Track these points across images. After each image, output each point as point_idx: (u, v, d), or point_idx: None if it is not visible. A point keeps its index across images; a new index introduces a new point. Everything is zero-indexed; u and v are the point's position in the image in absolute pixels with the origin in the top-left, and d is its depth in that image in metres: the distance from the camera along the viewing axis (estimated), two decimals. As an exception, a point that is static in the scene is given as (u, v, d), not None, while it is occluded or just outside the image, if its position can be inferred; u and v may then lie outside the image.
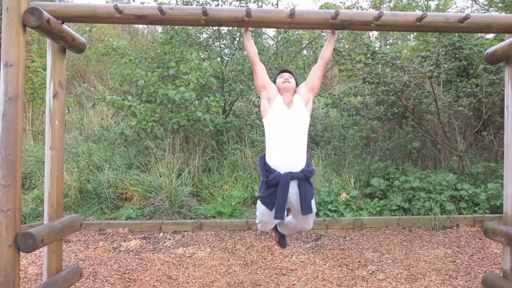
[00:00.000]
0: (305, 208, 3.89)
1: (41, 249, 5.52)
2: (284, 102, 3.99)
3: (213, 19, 4.16)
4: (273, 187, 3.83)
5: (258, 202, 4.00)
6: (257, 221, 4.16)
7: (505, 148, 4.57)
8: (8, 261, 3.46)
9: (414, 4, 19.92)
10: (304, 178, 3.85)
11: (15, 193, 3.52)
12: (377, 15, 4.08)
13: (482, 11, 16.89)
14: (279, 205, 3.80)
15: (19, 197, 3.58)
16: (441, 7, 19.91)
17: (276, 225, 4.40)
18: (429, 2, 20.36)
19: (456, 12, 19.15)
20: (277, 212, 3.82)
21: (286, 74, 4.22)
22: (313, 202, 4.00)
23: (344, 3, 15.47)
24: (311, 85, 4.16)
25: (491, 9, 16.49)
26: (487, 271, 5.19)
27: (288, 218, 4.25)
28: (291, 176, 3.79)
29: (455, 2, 19.48)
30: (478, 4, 17.32)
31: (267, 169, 3.92)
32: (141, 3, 9.01)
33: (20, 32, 3.56)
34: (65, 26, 4.07)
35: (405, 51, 12.80)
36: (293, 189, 3.84)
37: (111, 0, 14.93)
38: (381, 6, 19.45)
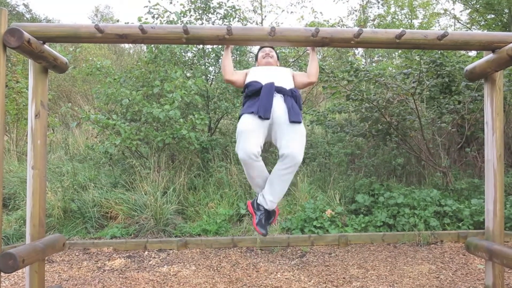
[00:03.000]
0: (293, 115, 3.77)
1: (23, 270, 5.50)
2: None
3: (195, 37, 4.20)
4: (255, 95, 3.85)
5: (240, 121, 3.87)
6: (237, 146, 3.79)
7: (485, 164, 4.64)
8: (-12, 281, 3.44)
9: (397, 23, 20.23)
10: (290, 94, 3.88)
11: (-4, 213, 3.51)
12: (357, 32, 4.15)
13: (465, 29, 17.20)
14: (263, 102, 3.76)
15: (0, 217, 3.57)
16: (424, 25, 20.21)
17: (255, 201, 4.03)
18: (413, 21, 20.68)
19: (439, 30, 19.46)
20: (262, 108, 3.74)
21: (267, 49, 4.26)
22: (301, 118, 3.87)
23: (328, 21, 15.66)
24: (295, 83, 4.21)
25: (473, 27, 16.80)
26: (471, 287, 5.21)
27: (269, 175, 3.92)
28: (275, 88, 3.83)
29: (438, 21, 19.72)
30: (460, 22, 17.64)
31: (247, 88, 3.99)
32: (125, 23, 9.06)
33: (1, 53, 3.57)
34: (46, 46, 4.09)
35: (390, 68, 12.96)
36: (278, 99, 3.84)
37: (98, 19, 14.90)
38: (366, 24, 19.71)
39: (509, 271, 5.07)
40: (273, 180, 3.83)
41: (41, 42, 3.98)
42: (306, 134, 3.94)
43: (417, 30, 4.38)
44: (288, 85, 4.01)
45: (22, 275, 5.69)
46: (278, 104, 3.80)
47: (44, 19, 26.76)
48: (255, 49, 12.05)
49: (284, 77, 4.05)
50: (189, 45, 7.76)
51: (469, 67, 4.78)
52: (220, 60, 9.85)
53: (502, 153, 4.54)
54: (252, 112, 3.79)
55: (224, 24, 9.89)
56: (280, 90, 3.85)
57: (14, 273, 5.81)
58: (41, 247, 4.05)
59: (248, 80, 4.12)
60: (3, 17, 3.61)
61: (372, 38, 4.24)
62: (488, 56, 4.40)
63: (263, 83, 3.90)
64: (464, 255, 6.30)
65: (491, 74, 4.50)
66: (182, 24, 4.08)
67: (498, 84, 4.53)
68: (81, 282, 5.53)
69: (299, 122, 3.79)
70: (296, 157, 3.68)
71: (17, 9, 25.49)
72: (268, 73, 4.04)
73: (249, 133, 3.71)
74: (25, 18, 25.67)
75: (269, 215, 4.01)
